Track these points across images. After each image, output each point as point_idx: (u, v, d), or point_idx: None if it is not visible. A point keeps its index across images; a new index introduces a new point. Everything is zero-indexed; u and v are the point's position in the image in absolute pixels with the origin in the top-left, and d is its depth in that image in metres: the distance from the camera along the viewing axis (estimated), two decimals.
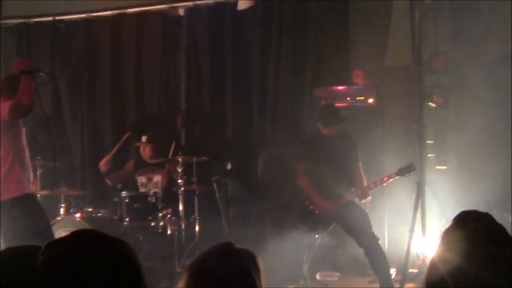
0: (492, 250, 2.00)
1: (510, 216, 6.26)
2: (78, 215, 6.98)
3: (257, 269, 2.11)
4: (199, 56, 8.34)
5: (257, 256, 2.15)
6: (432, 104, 7.08)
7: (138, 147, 7.85)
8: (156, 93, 8.59)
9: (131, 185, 7.74)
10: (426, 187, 6.59)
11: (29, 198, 5.16)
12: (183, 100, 8.41)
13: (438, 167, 7.19)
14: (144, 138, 7.72)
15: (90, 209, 7.38)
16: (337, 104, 7.18)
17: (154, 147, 7.71)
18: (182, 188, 6.88)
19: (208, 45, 8.27)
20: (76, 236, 1.76)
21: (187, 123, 8.34)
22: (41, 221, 5.13)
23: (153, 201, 6.89)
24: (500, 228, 2.08)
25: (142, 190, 7.56)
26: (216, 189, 6.88)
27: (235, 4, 7.86)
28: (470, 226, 2.08)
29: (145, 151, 7.73)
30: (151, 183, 7.67)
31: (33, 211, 5.13)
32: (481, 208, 2.20)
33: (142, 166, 7.76)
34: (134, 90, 8.61)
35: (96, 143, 8.70)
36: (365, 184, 6.40)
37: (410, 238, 6.40)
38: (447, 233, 2.12)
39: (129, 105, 8.65)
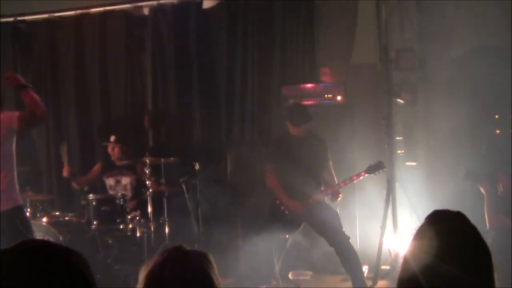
0: (463, 248, 2.03)
1: None
2: (44, 219, 6.80)
3: (212, 268, 2.12)
4: (165, 56, 8.24)
5: (208, 254, 2.16)
6: (400, 101, 7.12)
7: (105, 148, 7.71)
8: (122, 94, 8.46)
9: (99, 188, 7.63)
10: (397, 184, 6.64)
11: (23, 207, 5.45)
12: (149, 100, 8.32)
13: (408, 163, 7.23)
14: (112, 138, 7.58)
15: (57, 213, 7.22)
16: (306, 102, 7.25)
17: (123, 148, 7.59)
18: (151, 190, 6.77)
19: (173, 44, 8.17)
20: (20, 245, 1.66)
21: (155, 124, 8.24)
22: (31, 229, 5.39)
23: (121, 203, 6.78)
24: (471, 228, 2.10)
25: (111, 192, 7.44)
26: (185, 190, 6.77)
27: (200, 3, 7.77)
28: (442, 224, 2.10)
29: (114, 151, 7.59)
30: (120, 186, 7.56)
31: (28, 219, 5.44)
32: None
33: (110, 168, 7.63)
34: (99, 91, 8.48)
35: (61, 145, 8.40)
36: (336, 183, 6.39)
37: (382, 234, 6.45)
38: (420, 231, 2.13)
39: (94, 107, 8.51)
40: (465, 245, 2.04)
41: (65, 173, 7.59)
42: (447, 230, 2.07)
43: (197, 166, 6.71)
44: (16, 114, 5.16)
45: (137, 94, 8.49)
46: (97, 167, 7.79)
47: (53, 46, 8.63)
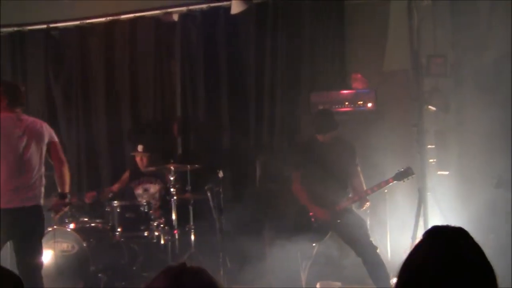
0: (459, 263, 1.99)
1: None
2: (72, 225, 6.80)
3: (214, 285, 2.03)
4: (194, 62, 8.21)
5: (206, 271, 2.05)
6: (432, 108, 6.95)
7: (133, 157, 7.69)
8: (151, 100, 8.45)
9: (128, 196, 7.59)
10: (428, 193, 6.45)
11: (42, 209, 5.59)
12: (178, 107, 8.28)
13: (440, 172, 7.03)
14: (140, 148, 7.59)
15: (85, 219, 7.22)
16: (336, 109, 7.09)
17: (150, 157, 7.57)
18: (175, 197, 6.72)
19: (202, 50, 8.14)
20: None
21: (183, 131, 8.19)
22: (43, 232, 5.65)
23: (146, 210, 6.75)
24: (471, 244, 2.06)
25: (140, 200, 7.40)
26: (210, 198, 6.70)
27: (229, 8, 7.70)
28: (439, 238, 2.07)
29: (142, 161, 7.59)
30: (148, 194, 7.54)
31: (43, 222, 5.57)
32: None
33: (137, 177, 7.62)
34: (129, 97, 8.50)
35: (91, 151, 8.58)
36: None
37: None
38: (417, 244, 2.11)
39: (124, 113, 8.52)
40: (461, 260, 1.99)
41: (87, 199, 7.59)
42: (443, 244, 2.02)
43: (220, 174, 6.62)
44: (55, 140, 5.70)
45: (167, 100, 8.46)
46: (125, 176, 7.79)
47: (84, 52, 8.69)
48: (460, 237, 2.05)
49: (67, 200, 5.72)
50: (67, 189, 5.65)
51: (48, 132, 5.61)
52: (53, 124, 8.43)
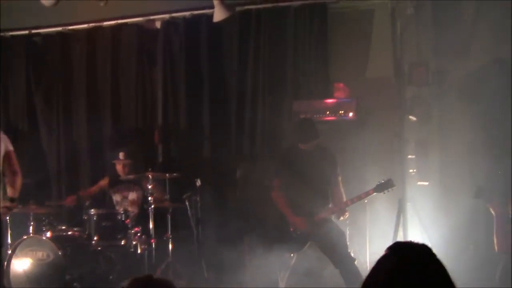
0: (425, 281, 1.95)
1: None
2: (48, 233, 6.71)
3: None
4: (176, 69, 8.15)
5: (173, 284, 2.10)
6: (412, 118, 6.90)
7: (114, 164, 7.62)
8: (133, 108, 8.38)
9: (107, 203, 7.56)
10: (408, 204, 6.42)
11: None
12: (159, 114, 8.19)
13: (420, 183, 6.98)
14: (122, 155, 7.52)
15: (63, 227, 7.13)
16: (318, 118, 7.02)
17: (131, 164, 7.50)
18: (153, 206, 6.65)
19: (184, 58, 8.08)
20: None
21: (164, 139, 8.12)
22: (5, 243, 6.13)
23: (123, 219, 6.67)
24: (436, 262, 2.03)
25: (118, 208, 7.35)
26: (188, 207, 6.63)
27: (212, 15, 7.62)
28: (405, 253, 2.04)
29: (124, 169, 7.52)
30: (126, 201, 7.47)
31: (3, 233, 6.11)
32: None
33: (116, 184, 7.54)
34: (110, 104, 8.43)
35: (71, 158, 8.50)
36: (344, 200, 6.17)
37: None
38: (382, 258, 2.06)
39: (105, 120, 8.44)
40: (427, 278, 1.96)
41: (68, 202, 7.53)
42: (410, 261, 1.99)
43: (198, 182, 6.55)
44: (10, 149, 5.99)
45: (148, 108, 8.39)
46: (104, 182, 7.71)
47: (66, 59, 8.62)
48: (425, 256, 2.02)
49: (15, 204, 6.16)
50: (16, 194, 6.02)
51: (4, 142, 5.68)
52: (33, 131, 8.54)
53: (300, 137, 6.22)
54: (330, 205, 6.18)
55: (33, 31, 8.66)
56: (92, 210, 6.75)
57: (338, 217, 6.15)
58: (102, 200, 7.65)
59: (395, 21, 6.91)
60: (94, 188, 7.71)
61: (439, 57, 7.15)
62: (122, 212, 6.78)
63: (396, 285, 1.94)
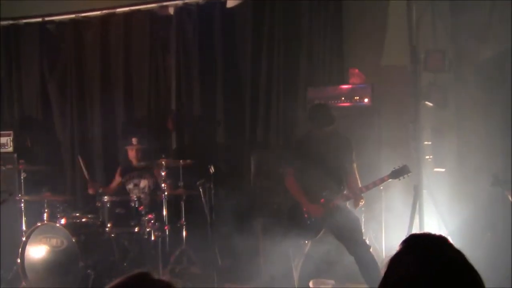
0: (446, 277, 1.83)
1: None
2: (63, 221, 6.69)
3: None
4: (189, 56, 8.13)
5: (173, 285, 1.94)
6: (429, 104, 6.81)
7: (126, 151, 7.60)
8: (146, 94, 8.39)
9: (120, 190, 7.54)
10: (424, 191, 6.34)
11: None
12: (173, 101, 8.19)
13: (436, 169, 6.86)
14: (134, 140, 7.50)
15: (77, 214, 7.10)
16: (335, 104, 6.99)
17: (142, 150, 7.49)
18: (166, 193, 6.61)
19: (198, 45, 8.06)
20: None
21: (178, 125, 8.09)
22: None
23: (136, 206, 6.64)
24: (455, 253, 1.90)
25: (132, 195, 7.28)
26: (201, 194, 6.58)
27: (225, 2, 7.59)
28: (421, 250, 1.91)
29: (136, 154, 7.50)
30: (138, 189, 7.46)
31: None
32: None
33: (128, 171, 7.53)
34: (124, 91, 8.45)
35: (85, 146, 8.52)
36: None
37: None
38: (396, 257, 1.93)
39: (118, 107, 8.47)
40: (447, 273, 1.83)
41: (90, 190, 7.47)
42: (427, 257, 1.87)
43: (212, 169, 6.48)
44: None
45: (161, 94, 8.38)
46: (118, 172, 7.69)
47: (79, 46, 8.65)
48: (444, 246, 1.92)
49: None
50: None
51: None
52: (47, 118, 8.53)
53: (315, 123, 6.08)
54: (345, 192, 6.09)
55: (47, 18, 8.66)
56: (106, 197, 6.72)
57: (355, 206, 6.04)
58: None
59: (411, 7, 6.80)
60: (114, 185, 7.68)
61: (456, 43, 7.04)
62: (135, 199, 6.74)
63: (424, 281, 1.83)
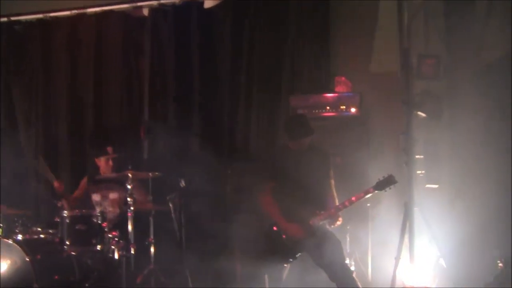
0: None
1: None
2: (20, 236, 6.17)
3: None
4: (164, 60, 7.88)
5: None
6: (421, 114, 6.51)
7: (97, 161, 7.17)
8: (118, 100, 8.10)
9: (87, 204, 7.05)
10: (415, 208, 5.90)
11: None
12: (146, 108, 7.88)
13: (428, 185, 6.62)
14: (110, 150, 7.10)
15: (38, 229, 6.56)
16: (317, 114, 6.73)
17: (117, 159, 7.10)
18: (132, 208, 6.11)
19: (173, 48, 7.82)
20: None
21: (151, 135, 7.64)
22: None
23: (99, 221, 6.12)
24: None
25: (97, 209, 6.83)
26: (171, 209, 6.10)
27: (203, 2, 7.30)
28: None
29: (107, 164, 7.08)
30: (107, 201, 7.01)
31: None
32: None
33: (95, 183, 7.04)
34: (93, 96, 8.14)
35: (51, 152, 8.17)
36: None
37: (396, 266, 5.66)
38: None
39: (87, 113, 8.17)
40: None
41: (59, 189, 6.97)
42: None
43: (182, 183, 6.02)
44: None
45: (134, 101, 8.07)
46: (83, 183, 7.25)
47: (47, 47, 8.37)
48: None
49: None
50: None
51: None
52: (11, 123, 8.21)
53: (291, 134, 5.73)
54: (322, 211, 5.60)
55: (13, 18, 8.36)
56: (65, 211, 6.20)
57: (331, 225, 5.60)
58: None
59: (402, 9, 6.44)
60: (78, 192, 7.23)
61: (450, 49, 6.77)
62: (98, 214, 6.24)
63: None
